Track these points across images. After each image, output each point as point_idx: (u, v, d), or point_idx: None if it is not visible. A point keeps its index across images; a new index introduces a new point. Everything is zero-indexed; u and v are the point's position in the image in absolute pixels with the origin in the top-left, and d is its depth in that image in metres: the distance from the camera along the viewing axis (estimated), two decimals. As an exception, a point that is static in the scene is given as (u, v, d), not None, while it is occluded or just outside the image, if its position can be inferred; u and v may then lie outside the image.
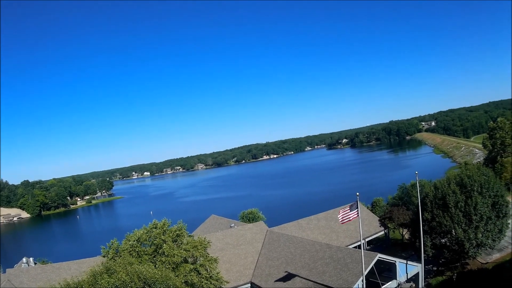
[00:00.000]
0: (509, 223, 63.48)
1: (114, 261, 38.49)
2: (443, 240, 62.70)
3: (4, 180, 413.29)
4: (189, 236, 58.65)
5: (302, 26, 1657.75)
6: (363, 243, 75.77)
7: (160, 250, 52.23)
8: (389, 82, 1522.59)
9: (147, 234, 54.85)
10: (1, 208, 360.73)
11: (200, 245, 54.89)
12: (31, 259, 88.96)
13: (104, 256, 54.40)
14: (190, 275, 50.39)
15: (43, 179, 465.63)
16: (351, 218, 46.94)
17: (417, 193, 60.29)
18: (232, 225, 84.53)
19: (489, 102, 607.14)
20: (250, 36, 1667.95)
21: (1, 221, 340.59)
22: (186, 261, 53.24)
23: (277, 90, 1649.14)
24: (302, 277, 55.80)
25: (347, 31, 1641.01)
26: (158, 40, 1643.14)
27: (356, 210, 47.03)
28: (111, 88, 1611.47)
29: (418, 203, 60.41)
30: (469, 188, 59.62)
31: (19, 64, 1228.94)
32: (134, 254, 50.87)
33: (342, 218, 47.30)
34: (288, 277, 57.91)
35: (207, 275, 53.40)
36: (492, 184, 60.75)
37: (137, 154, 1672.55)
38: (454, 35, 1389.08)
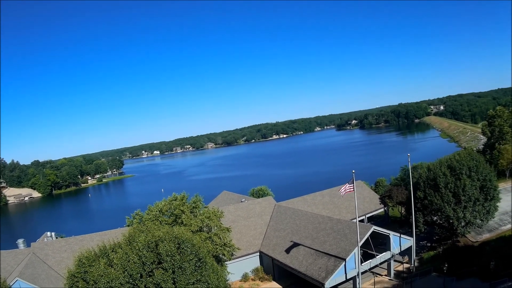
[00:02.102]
0: (497, 206, 68.55)
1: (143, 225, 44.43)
2: (434, 218, 68.51)
3: (15, 161, 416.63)
4: (205, 207, 64.91)
5: (315, 7, 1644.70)
6: (363, 218, 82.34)
7: (179, 219, 58.38)
8: (399, 65, 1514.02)
9: (168, 206, 61.28)
10: (12, 188, 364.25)
11: (214, 216, 61.17)
12: (53, 233, 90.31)
13: (128, 225, 60.71)
14: (205, 243, 56.28)
15: (53, 159, 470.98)
16: (347, 190, 53.10)
17: (409, 174, 65.67)
18: (243, 200, 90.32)
19: (498, 88, 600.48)
20: (263, 16, 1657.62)
21: (12, 201, 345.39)
22: (201, 230, 59.65)
23: (288, 70, 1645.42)
24: (305, 246, 62.12)
25: (359, 14, 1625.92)
26: (174, 21, 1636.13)
27: (353, 184, 53.11)
28: (121, 68, 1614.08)
29: (410, 182, 65.80)
30: (458, 171, 65.10)
31: (27, 44, 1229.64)
32: (156, 223, 55.87)
33: (341, 191, 53.75)
34: (293, 246, 64.30)
35: (221, 243, 59.89)
36: (481, 169, 65.86)
37: (147, 133, 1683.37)
38: (465, 20, 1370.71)
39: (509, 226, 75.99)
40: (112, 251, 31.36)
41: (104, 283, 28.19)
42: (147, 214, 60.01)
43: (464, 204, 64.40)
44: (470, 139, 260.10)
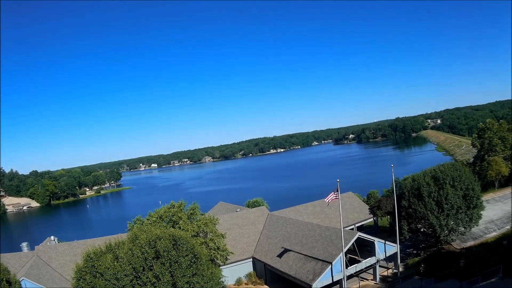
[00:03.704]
0: (481, 214, 71.94)
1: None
2: (418, 225, 72.13)
3: (14, 170, 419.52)
4: (201, 214, 68.77)
5: (309, 22, 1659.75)
6: (353, 227, 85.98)
7: (177, 225, 62.20)
8: (396, 79, 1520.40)
9: (167, 212, 65.08)
10: (10, 197, 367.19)
11: (210, 222, 65.19)
12: (56, 238, 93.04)
13: (129, 230, 64.36)
14: (201, 247, 60.06)
15: (51, 170, 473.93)
16: (333, 199, 56.84)
17: (393, 184, 69.64)
18: (238, 210, 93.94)
19: (495, 101, 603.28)
20: (259, 30, 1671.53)
21: (11, 210, 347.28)
22: (197, 235, 63.35)
23: (285, 84, 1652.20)
24: (295, 251, 65.99)
25: (354, 28, 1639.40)
26: (165, 32, 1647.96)
27: (337, 193, 56.90)
28: (118, 80, 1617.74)
29: (394, 191, 69.50)
30: (441, 181, 68.83)
31: (24, 54, 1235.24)
32: (156, 226, 60.51)
33: (327, 199, 57.49)
34: (284, 251, 68.08)
35: (215, 247, 63.66)
36: (464, 178, 69.53)
37: (145, 146, 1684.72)
38: (463, 33, 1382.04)
39: (493, 234, 78.31)
40: (118, 248, 34.96)
41: (110, 274, 31.91)
42: (147, 219, 63.69)
43: (447, 212, 67.60)
44: (465, 152, 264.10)
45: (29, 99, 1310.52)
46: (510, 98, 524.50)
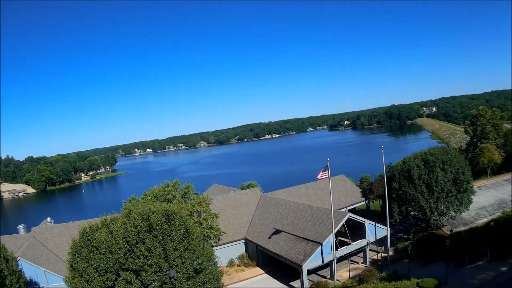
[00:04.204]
0: (471, 198, 73.07)
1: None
2: (409, 208, 73.28)
3: (10, 156, 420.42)
4: (195, 193, 69.68)
5: (307, 7, 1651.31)
6: (345, 210, 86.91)
7: (171, 204, 63.10)
8: (392, 66, 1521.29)
9: (161, 191, 65.89)
10: (6, 183, 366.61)
11: (204, 202, 66.04)
12: (52, 220, 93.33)
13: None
14: (194, 226, 61.05)
15: (47, 155, 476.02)
16: (323, 177, 57.55)
17: (383, 166, 70.76)
18: (232, 191, 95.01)
19: (492, 91, 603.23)
20: (257, 17, 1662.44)
21: (7, 197, 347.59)
22: (191, 215, 64.14)
23: (281, 71, 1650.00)
24: (286, 232, 67.00)
25: (351, 14, 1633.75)
26: (161, 17, 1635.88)
27: (327, 171, 57.56)
28: (115, 66, 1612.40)
29: (384, 173, 71.24)
30: (431, 164, 69.84)
31: (19, 41, 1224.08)
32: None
33: (317, 177, 58.19)
34: (276, 232, 69.11)
35: (208, 226, 64.61)
36: (454, 162, 70.45)
37: (140, 131, 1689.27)
38: (460, 21, 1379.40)
39: (484, 220, 79.02)
40: (112, 223, 35.69)
41: (105, 248, 32.72)
42: (143, 198, 64.49)
43: (437, 195, 68.71)
44: (459, 140, 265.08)
45: (23, 85, 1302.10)
46: (506, 89, 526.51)
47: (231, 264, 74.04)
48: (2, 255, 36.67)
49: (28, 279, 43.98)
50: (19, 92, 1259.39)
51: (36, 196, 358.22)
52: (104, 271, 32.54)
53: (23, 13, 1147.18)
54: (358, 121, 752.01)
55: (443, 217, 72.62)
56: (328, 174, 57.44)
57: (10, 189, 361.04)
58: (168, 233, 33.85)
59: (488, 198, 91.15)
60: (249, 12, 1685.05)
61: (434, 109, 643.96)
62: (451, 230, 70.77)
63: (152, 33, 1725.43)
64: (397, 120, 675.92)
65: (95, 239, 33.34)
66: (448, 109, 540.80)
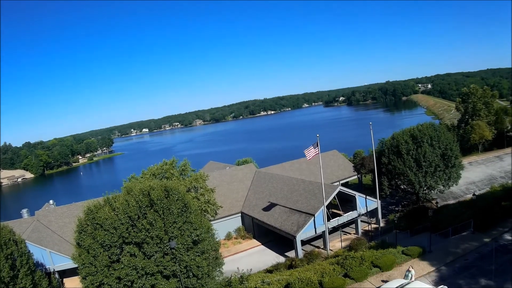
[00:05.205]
0: (460, 173, 75.64)
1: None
2: (398, 182, 76.00)
3: (7, 143, 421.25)
4: (192, 170, 72.17)
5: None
6: (337, 184, 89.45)
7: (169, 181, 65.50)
8: (387, 43, 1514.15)
9: (159, 169, 68.25)
10: (5, 170, 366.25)
11: (200, 178, 68.60)
12: (54, 202, 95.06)
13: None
14: (192, 201, 63.37)
15: (44, 140, 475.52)
16: (313, 155, 59.83)
17: (372, 141, 72.03)
18: (227, 168, 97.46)
19: (487, 69, 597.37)
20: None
21: (6, 183, 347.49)
22: (189, 191, 66.63)
23: (276, 47, 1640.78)
24: (281, 205, 69.92)
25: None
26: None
27: (317, 148, 59.78)
28: (108, 45, 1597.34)
29: (373, 147, 73.96)
30: (419, 140, 72.33)
31: (17, 23, 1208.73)
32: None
33: (307, 154, 60.38)
34: (270, 206, 71.96)
35: (205, 200, 67.26)
36: (443, 138, 72.86)
37: (135, 111, 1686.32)
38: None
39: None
40: (115, 201, 37.94)
41: (109, 224, 35.06)
42: (141, 177, 66.78)
43: (425, 169, 71.35)
44: (453, 117, 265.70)
45: (18, 71, 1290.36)
46: (502, 67, 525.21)
47: (228, 237, 77.08)
48: (11, 238, 38.69)
49: (35, 261, 46.20)
50: (13, 77, 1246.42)
51: (34, 180, 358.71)
52: (109, 246, 34.71)
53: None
54: (353, 97, 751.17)
55: (432, 191, 75.26)
56: (318, 150, 59.55)
57: (9, 175, 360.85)
58: (167, 207, 36.05)
59: (478, 174, 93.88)
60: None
61: (429, 85, 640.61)
62: (437, 203, 73.64)
63: (145, 7, 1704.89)
64: (392, 96, 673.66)
65: (99, 217, 35.49)
66: (443, 86, 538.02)
